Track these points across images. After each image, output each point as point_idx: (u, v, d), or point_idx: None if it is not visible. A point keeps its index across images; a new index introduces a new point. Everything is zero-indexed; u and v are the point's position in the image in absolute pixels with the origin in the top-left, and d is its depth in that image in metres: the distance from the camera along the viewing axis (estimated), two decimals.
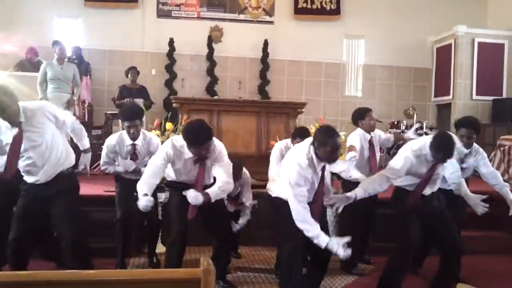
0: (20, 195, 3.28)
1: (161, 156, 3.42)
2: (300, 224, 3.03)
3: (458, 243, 3.59)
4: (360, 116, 4.46)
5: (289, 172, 3.11)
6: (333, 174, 4.49)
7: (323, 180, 3.19)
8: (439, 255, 3.70)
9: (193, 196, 3.22)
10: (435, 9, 9.64)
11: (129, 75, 7.18)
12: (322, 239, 3.00)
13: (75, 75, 6.46)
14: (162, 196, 4.62)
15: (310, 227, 3.02)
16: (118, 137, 4.06)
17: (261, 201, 4.41)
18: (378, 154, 4.46)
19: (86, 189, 5.02)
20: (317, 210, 3.16)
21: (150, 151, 4.02)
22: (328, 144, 3.01)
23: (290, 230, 3.10)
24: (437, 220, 3.58)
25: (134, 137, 4.00)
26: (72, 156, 3.38)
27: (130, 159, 4.03)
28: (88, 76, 8.25)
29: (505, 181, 5.57)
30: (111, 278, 1.69)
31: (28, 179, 3.23)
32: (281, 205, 3.21)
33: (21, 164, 3.15)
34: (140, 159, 4.02)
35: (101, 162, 4.15)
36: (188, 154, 3.39)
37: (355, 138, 4.33)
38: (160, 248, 4.63)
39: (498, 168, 5.63)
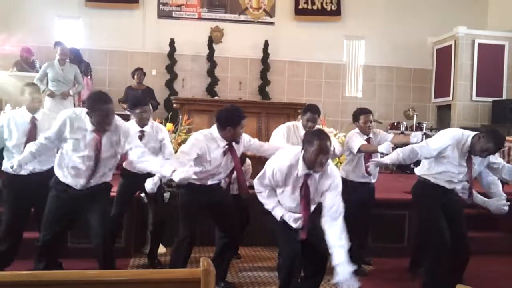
0: (51, 195, 3.26)
1: (193, 149, 3.35)
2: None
3: (469, 243, 3.66)
4: (355, 117, 4.46)
5: (270, 163, 3.13)
6: None
7: (307, 188, 3.05)
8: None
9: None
10: (435, 10, 9.65)
11: (135, 76, 7.22)
12: (276, 212, 3.13)
13: (77, 76, 6.47)
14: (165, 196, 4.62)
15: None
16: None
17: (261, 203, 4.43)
18: (376, 156, 4.42)
19: None
20: (305, 218, 3.08)
21: (158, 138, 4.00)
22: (314, 144, 2.91)
23: (286, 237, 3.08)
24: (456, 217, 3.62)
25: (144, 123, 3.99)
26: None
27: None
28: (89, 77, 8.26)
29: (504, 182, 5.59)
30: (112, 278, 1.71)
31: (67, 180, 3.21)
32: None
33: (75, 164, 3.15)
34: (149, 145, 3.90)
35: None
36: (221, 141, 3.40)
37: (353, 137, 4.31)
38: (160, 249, 4.65)
39: None
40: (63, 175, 3.22)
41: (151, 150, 3.82)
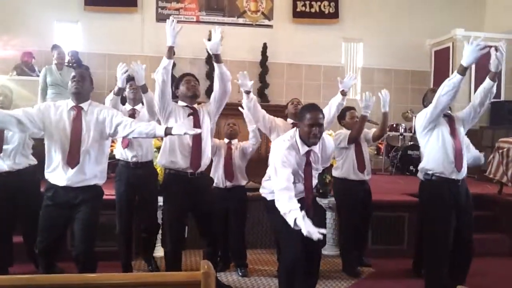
0: (43, 204, 3.18)
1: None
2: (278, 196, 2.83)
3: (473, 244, 3.67)
4: (341, 116, 4.50)
5: (273, 155, 3.04)
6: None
7: (309, 165, 3.06)
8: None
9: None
10: (432, 13, 9.68)
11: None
12: (291, 216, 2.68)
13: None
14: (161, 200, 4.62)
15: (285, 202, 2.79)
16: (115, 105, 3.94)
17: (262, 205, 4.43)
18: (365, 153, 4.43)
19: None
20: (308, 196, 3.10)
21: (152, 112, 3.88)
22: (306, 117, 2.93)
23: (291, 238, 2.95)
24: (464, 215, 3.61)
25: (136, 101, 4.08)
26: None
27: None
28: None
29: (503, 183, 5.61)
30: (112, 281, 1.71)
31: (53, 179, 3.12)
32: (276, 209, 3.08)
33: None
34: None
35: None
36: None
37: (340, 136, 4.35)
38: (160, 252, 4.64)
39: (496, 171, 5.64)
40: (50, 175, 3.13)
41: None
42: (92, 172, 3.12)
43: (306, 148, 3.00)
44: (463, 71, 3.31)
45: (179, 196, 3.42)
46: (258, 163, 4.53)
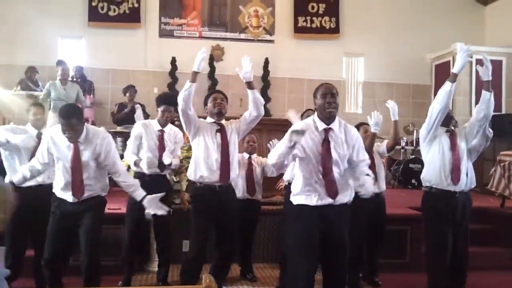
0: (51, 212, 3.38)
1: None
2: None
3: (467, 259, 3.71)
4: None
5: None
6: None
7: (327, 142, 2.92)
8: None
9: None
10: (433, 27, 9.75)
11: (127, 94, 7.33)
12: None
13: (79, 95, 6.55)
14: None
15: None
16: (144, 124, 4.17)
17: (265, 219, 4.45)
18: (378, 166, 4.43)
19: None
20: (329, 180, 2.90)
21: (176, 141, 4.23)
22: (319, 91, 3.00)
23: (299, 256, 2.88)
24: (459, 227, 3.64)
25: (165, 123, 4.18)
26: None
27: (158, 147, 4.08)
28: (91, 95, 8.35)
29: (506, 197, 5.61)
30: None
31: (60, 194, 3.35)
32: (291, 218, 3.07)
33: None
34: (167, 148, 4.10)
35: (126, 154, 4.16)
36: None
37: None
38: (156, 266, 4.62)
39: (498, 184, 5.65)
40: (57, 191, 3.38)
41: (168, 150, 4.09)
42: (95, 187, 3.41)
43: (324, 125, 2.96)
44: (453, 78, 3.52)
45: (207, 208, 3.55)
46: (266, 179, 4.58)
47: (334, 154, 2.92)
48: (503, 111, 8.84)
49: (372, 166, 4.29)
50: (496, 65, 8.99)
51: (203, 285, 1.69)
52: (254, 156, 4.59)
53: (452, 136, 3.70)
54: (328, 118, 2.96)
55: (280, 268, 4.26)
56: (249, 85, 3.67)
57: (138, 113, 4.80)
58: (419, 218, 4.51)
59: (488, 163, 7.28)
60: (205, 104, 3.77)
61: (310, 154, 2.92)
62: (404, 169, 8.05)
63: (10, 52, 8.45)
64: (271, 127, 5.87)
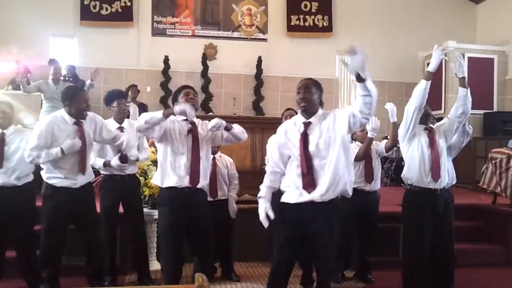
0: (50, 206, 3.49)
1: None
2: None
3: (454, 256, 3.72)
4: None
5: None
6: None
7: (305, 135, 2.84)
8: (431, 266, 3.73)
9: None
10: (425, 25, 9.80)
11: (130, 93, 7.30)
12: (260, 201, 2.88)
13: None
14: (156, 213, 4.62)
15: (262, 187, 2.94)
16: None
17: (256, 218, 4.44)
18: (374, 165, 4.49)
19: None
20: (308, 172, 2.80)
21: (137, 134, 4.04)
22: (297, 88, 2.96)
23: (283, 241, 2.91)
24: (442, 225, 3.66)
25: (122, 118, 4.16)
26: None
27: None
28: None
29: (497, 194, 5.65)
30: None
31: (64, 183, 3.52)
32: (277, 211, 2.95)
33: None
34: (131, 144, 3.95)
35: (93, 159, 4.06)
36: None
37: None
38: (156, 266, 4.63)
39: (490, 181, 5.68)
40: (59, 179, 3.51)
41: (134, 147, 3.98)
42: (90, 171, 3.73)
43: (303, 119, 2.90)
44: (428, 76, 3.59)
45: (176, 210, 3.27)
46: (253, 175, 4.56)
47: (311, 146, 2.81)
48: (495, 109, 8.91)
49: (368, 166, 4.37)
50: (488, 63, 9.07)
51: (196, 284, 1.68)
52: (218, 155, 4.42)
53: (431, 134, 3.73)
54: (304, 112, 2.91)
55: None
56: None
57: (132, 111, 4.78)
58: None
59: (480, 160, 7.34)
60: (175, 100, 3.39)
61: (292, 150, 2.88)
62: (397, 167, 8.07)
63: (1, 52, 8.38)
64: (264, 125, 5.85)
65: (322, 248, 2.84)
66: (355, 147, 4.40)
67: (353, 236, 4.46)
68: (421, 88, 3.54)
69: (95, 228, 3.77)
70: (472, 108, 3.85)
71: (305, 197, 2.80)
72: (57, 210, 3.48)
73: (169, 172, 3.23)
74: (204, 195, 3.48)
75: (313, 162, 2.79)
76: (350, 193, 2.93)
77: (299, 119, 2.93)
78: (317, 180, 2.78)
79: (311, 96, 2.89)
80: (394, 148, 8.41)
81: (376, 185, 4.47)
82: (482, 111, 8.71)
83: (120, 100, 4.17)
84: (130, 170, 4.10)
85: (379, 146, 4.59)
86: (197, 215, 3.30)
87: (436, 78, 9.23)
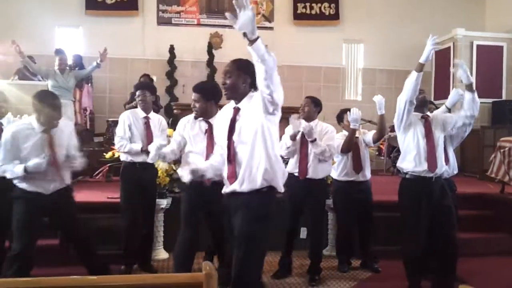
0: (20, 204, 3.31)
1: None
2: None
3: (457, 243, 3.66)
4: (340, 118, 4.65)
5: None
6: None
7: (233, 124, 2.65)
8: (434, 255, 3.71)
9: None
10: (433, 13, 9.68)
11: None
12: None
13: (77, 74, 6.55)
14: (164, 203, 4.65)
15: None
16: (131, 111, 4.26)
17: None
18: (363, 154, 4.50)
19: (89, 196, 5.09)
20: (231, 159, 2.63)
21: (161, 129, 4.26)
22: None
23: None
24: (442, 214, 3.60)
25: (147, 108, 4.20)
26: None
27: (146, 130, 4.15)
28: (90, 84, 8.31)
29: (505, 183, 5.61)
30: (113, 283, 1.72)
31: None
32: None
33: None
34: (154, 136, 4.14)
35: (116, 141, 4.22)
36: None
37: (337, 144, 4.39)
38: (163, 255, 4.66)
39: (498, 170, 5.64)
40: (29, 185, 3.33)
41: (155, 136, 4.13)
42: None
43: (233, 105, 2.71)
44: (419, 67, 3.56)
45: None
46: None
47: (235, 134, 2.62)
48: (504, 97, 8.80)
49: (356, 157, 4.37)
50: (497, 51, 8.95)
51: (203, 272, 1.68)
52: None
53: (427, 123, 3.68)
54: (231, 98, 2.72)
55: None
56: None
57: None
58: None
59: (488, 149, 7.27)
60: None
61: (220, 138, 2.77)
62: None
63: (6, 42, 8.38)
64: None
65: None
66: (341, 138, 4.41)
67: (353, 226, 4.54)
68: (412, 80, 3.51)
69: (76, 231, 3.65)
70: (480, 97, 3.82)
71: (229, 188, 2.67)
72: (29, 213, 3.32)
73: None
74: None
75: (236, 150, 2.62)
76: (281, 189, 2.69)
77: (231, 105, 2.74)
78: (238, 170, 2.61)
79: (232, 81, 2.65)
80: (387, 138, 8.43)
81: (367, 174, 4.51)
82: (490, 100, 8.61)
83: (140, 92, 4.20)
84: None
85: (367, 136, 4.56)
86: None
87: (444, 67, 9.19)
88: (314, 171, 4.11)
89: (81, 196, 5.14)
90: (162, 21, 9.37)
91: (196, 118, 3.58)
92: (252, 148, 2.56)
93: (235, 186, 2.59)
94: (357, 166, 4.42)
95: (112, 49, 8.98)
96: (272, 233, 2.61)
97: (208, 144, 3.47)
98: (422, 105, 3.72)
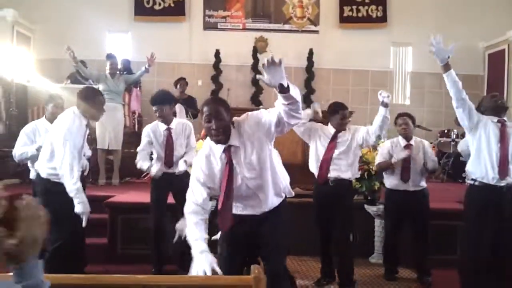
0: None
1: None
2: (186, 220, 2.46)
3: None
4: (395, 123, 4.52)
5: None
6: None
7: (230, 163, 2.44)
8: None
9: None
10: (486, 14, 9.31)
11: (178, 86, 7.42)
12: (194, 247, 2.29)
13: (128, 79, 6.72)
14: None
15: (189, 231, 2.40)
16: (153, 125, 4.23)
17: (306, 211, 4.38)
18: (414, 164, 4.29)
19: (135, 197, 5.20)
20: (223, 204, 2.47)
21: (187, 135, 4.24)
22: (203, 111, 2.43)
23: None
24: (509, 223, 3.40)
25: (167, 121, 4.16)
26: None
27: (166, 143, 4.15)
28: (138, 88, 8.51)
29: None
30: (161, 283, 1.72)
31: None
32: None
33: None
34: (178, 144, 4.17)
35: (138, 157, 4.28)
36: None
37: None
38: None
39: None
40: None
41: (179, 145, 4.16)
42: None
43: (222, 147, 2.44)
44: (444, 69, 3.54)
45: None
46: (303, 169, 4.50)
47: (237, 169, 2.47)
48: None
49: (405, 164, 4.26)
50: None
51: (252, 275, 1.66)
52: None
53: (503, 127, 3.46)
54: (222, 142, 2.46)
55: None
56: None
57: (178, 110, 4.82)
58: None
59: None
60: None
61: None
62: (454, 162, 7.75)
63: (60, 47, 8.73)
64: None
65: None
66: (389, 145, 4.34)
67: (396, 235, 4.43)
68: (446, 81, 3.52)
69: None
70: None
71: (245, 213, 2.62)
72: None
73: None
74: None
75: (244, 187, 2.52)
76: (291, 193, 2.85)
77: (217, 148, 2.46)
78: (251, 203, 2.59)
79: (226, 123, 2.40)
80: (452, 143, 8.14)
81: (419, 183, 4.36)
82: None
83: (157, 107, 4.09)
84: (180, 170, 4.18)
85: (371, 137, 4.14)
86: None
87: (497, 70, 8.81)
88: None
89: (127, 197, 5.27)
90: (208, 26, 9.50)
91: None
92: (261, 177, 2.49)
93: (254, 213, 2.58)
94: (405, 175, 4.28)
95: (159, 54, 9.18)
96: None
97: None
98: (498, 110, 3.52)
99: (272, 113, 2.42)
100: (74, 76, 7.84)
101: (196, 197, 2.44)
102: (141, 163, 4.22)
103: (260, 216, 2.58)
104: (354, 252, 4.21)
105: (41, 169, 3.65)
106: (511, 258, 3.47)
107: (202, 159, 2.49)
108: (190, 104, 7.20)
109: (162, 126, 4.18)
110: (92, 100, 3.63)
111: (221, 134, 2.39)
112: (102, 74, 6.54)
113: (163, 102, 4.11)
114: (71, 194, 3.40)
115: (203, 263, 2.09)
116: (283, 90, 2.26)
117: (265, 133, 2.43)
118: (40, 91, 7.45)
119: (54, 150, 3.50)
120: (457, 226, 4.84)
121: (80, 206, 3.42)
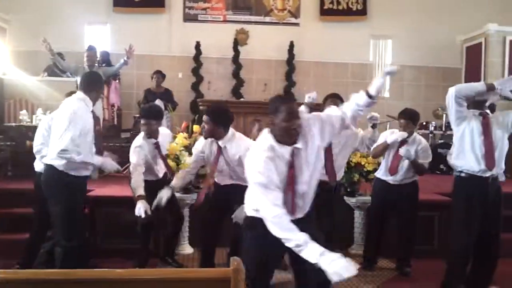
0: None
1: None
2: (277, 232, 2.24)
3: (498, 245, 3.60)
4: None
5: (251, 171, 2.39)
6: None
7: (292, 167, 2.39)
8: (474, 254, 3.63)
9: None
10: (464, 8, 9.43)
11: (153, 79, 7.35)
12: (310, 251, 2.14)
13: (106, 73, 6.61)
14: (189, 198, 4.67)
15: (291, 235, 2.21)
16: (142, 141, 4.05)
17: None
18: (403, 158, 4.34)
19: (116, 190, 5.15)
20: (293, 207, 2.43)
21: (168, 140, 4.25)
22: (281, 110, 2.35)
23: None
24: (491, 214, 3.52)
25: (153, 135, 4.07)
26: None
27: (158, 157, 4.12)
28: (117, 80, 8.42)
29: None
30: (144, 277, 1.72)
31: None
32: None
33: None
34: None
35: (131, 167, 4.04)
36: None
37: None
38: (188, 249, 4.69)
39: None
40: None
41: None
42: None
43: (289, 148, 2.39)
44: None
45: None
46: None
47: (299, 171, 2.48)
48: None
49: (394, 156, 4.28)
50: None
51: (231, 267, 1.67)
52: None
53: (485, 120, 3.51)
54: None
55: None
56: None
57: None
58: (447, 204, 4.40)
59: None
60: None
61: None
62: (433, 154, 7.84)
63: (37, 39, 8.56)
64: None
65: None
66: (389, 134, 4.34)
67: (376, 226, 4.51)
68: (474, 92, 3.51)
69: None
70: None
71: None
72: None
73: None
74: None
75: (302, 191, 2.52)
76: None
77: (282, 149, 2.40)
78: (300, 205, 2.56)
79: (301, 123, 2.43)
80: (430, 135, 8.23)
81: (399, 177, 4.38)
82: None
83: (145, 121, 4.01)
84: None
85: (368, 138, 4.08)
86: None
87: (474, 63, 8.94)
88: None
89: (108, 190, 5.22)
90: (188, 18, 9.42)
91: (205, 138, 3.70)
92: (311, 180, 2.50)
93: (302, 216, 2.53)
94: (392, 168, 4.31)
95: (139, 46, 9.06)
96: None
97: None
98: (479, 103, 3.54)
99: (335, 117, 2.55)
100: (51, 69, 7.71)
101: (275, 200, 2.29)
102: (133, 181, 3.89)
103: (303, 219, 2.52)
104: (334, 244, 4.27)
105: (54, 161, 3.34)
106: (494, 242, 3.59)
107: (268, 162, 2.33)
108: (168, 98, 7.16)
109: (151, 140, 4.07)
110: (100, 83, 3.70)
111: (298, 134, 2.40)
112: (80, 66, 6.42)
113: (154, 117, 4.05)
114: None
115: (346, 266, 2.09)
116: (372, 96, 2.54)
117: (328, 135, 2.51)
118: (17, 84, 7.33)
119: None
120: (435, 216, 4.97)
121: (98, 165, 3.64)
